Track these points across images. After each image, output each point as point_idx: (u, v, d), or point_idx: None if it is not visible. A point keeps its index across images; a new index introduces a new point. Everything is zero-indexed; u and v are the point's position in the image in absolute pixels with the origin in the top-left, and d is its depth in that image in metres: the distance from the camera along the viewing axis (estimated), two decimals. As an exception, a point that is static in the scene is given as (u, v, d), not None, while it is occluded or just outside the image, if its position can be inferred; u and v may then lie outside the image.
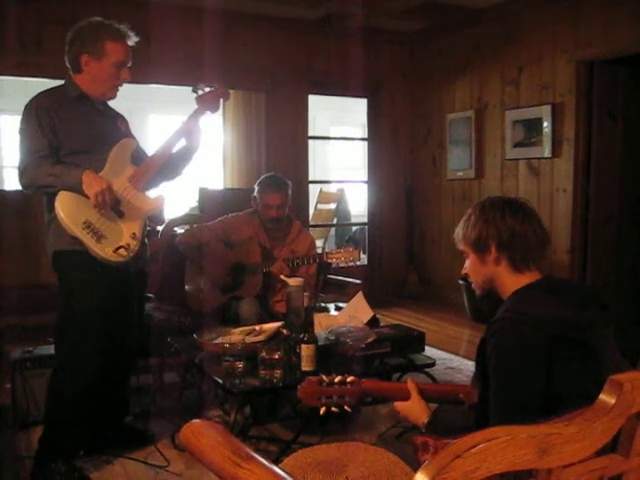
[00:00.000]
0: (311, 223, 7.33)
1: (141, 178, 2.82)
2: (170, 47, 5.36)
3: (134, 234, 2.76)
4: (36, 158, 2.64)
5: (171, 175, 3.08)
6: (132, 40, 2.83)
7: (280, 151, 6.20)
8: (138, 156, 2.91)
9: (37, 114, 2.67)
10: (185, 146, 3.02)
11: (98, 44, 2.73)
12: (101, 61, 2.75)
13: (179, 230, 4.28)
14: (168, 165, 2.96)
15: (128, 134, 2.96)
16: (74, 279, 2.75)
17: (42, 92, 2.79)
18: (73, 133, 2.73)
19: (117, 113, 3.01)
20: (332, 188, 8.94)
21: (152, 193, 2.95)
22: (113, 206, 2.69)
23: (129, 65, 2.84)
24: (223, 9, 5.51)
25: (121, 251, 2.69)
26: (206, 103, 3.01)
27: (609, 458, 1.02)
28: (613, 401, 0.98)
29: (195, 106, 3.02)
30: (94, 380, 2.78)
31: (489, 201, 1.78)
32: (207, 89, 3.03)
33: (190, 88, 3.07)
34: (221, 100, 3.07)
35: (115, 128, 2.92)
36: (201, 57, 5.47)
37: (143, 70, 5.01)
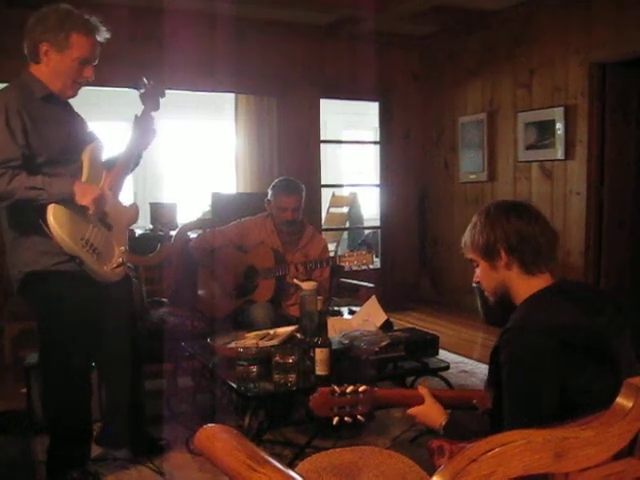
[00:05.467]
0: (323, 227, 7.33)
1: (118, 185, 2.72)
2: (183, 53, 5.38)
3: (123, 249, 2.68)
4: (7, 169, 2.35)
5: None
6: (102, 36, 2.60)
7: (292, 155, 6.21)
8: (105, 159, 2.77)
9: (7, 116, 2.39)
10: (137, 145, 2.83)
11: (62, 34, 2.48)
12: (63, 53, 2.50)
13: (192, 235, 4.30)
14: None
15: (94, 136, 2.77)
16: (54, 301, 2.58)
17: (5, 90, 2.52)
18: (48, 140, 2.49)
19: (79, 115, 2.78)
20: (344, 192, 8.94)
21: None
22: (102, 218, 2.58)
23: (94, 63, 2.61)
24: (235, 15, 5.53)
25: (119, 270, 2.63)
26: (146, 101, 2.82)
27: (626, 462, 1.02)
28: (630, 404, 0.97)
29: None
30: (83, 393, 2.75)
31: (493, 206, 1.76)
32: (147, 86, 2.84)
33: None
34: (160, 98, 2.85)
35: (82, 130, 2.74)
36: (213, 62, 5.49)
37: (156, 75, 5.04)
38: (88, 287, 2.58)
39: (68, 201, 2.42)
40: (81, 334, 2.65)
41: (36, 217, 2.41)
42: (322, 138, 6.62)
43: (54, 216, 2.39)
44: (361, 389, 1.88)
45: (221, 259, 3.80)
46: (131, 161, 2.81)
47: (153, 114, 2.83)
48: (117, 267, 2.62)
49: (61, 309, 2.60)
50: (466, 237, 1.79)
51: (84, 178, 2.56)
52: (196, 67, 5.52)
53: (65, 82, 2.57)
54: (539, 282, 1.68)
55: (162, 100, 2.85)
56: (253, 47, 5.91)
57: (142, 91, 2.83)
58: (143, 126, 2.79)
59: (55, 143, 2.53)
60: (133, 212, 2.84)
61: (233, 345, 3.04)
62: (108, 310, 2.76)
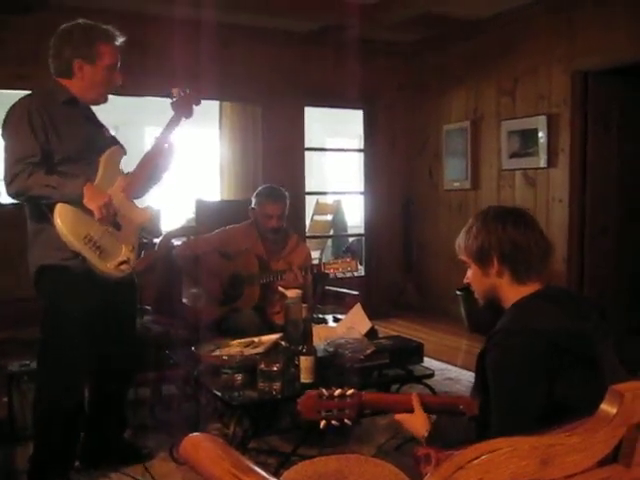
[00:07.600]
0: (308, 234, 7.33)
1: (133, 188, 2.78)
2: (166, 59, 5.36)
3: (132, 247, 2.72)
4: (27, 165, 2.48)
5: (153, 182, 2.99)
6: (119, 41, 2.75)
7: (276, 163, 6.20)
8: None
9: (29, 117, 2.53)
10: (164, 152, 2.92)
11: (91, 47, 2.64)
12: (95, 65, 2.66)
13: (176, 242, 4.28)
14: (152, 172, 2.91)
15: (115, 141, 2.88)
16: (61, 295, 2.64)
17: (30, 95, 2.66)
18: (66, 139, 2.61)
19: (100, 121, 2.90)
20: (328, 199, 8.95)
21: (139, 203, 2.90)
22: (112, 219, 2.63)
23: (118, 68, 2.76)
24: (219, 22, 5.52)
25: (123, 266, 2.66)
26: (180, 109, 2.95)
27: (611, 468, 1.02)
28: (614, 411, 0.97)
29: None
30: (78, 398, 2.75)
31: (491, 211, 1.76)
32: (181, 95, 2.97)
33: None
34: (194, 106, 3.00)
35: (102, 134, 2.84)
36: (197, 69, 5.47)
37: (139, 82, 5.03)
38: (93, 286, 2.62)
39: (77, 202, 2.51)
40: (83, 333, 2.66)
41: (49, 213, 2.52)
42: (306, 146, 6.63)
43: (59, 214, 2.49)
44: (349, 393, 1.87)
45: (205, 266, 3.79)
46: (151, 166, 2.86)
47: (184, 120, 2.97)
48: (120, 264, 2.65)
49: (64, 304, 2.64)
50: (460, 239, 1.79)
51: (98, 180, 2.64)
52: (180, 74, 5.49)
53: (99, 91, 2.74)
54: (528, 289, 1.69)
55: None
56: (237, 54, 5.90)
57: (174, 99, 2.95)
58: (170, 130, 2.93)
59: (72, 143, 2.63)
60: (147, 214, 2.89)
61: (218, 353, 3.02)
62: (111, 313, 2.79)
